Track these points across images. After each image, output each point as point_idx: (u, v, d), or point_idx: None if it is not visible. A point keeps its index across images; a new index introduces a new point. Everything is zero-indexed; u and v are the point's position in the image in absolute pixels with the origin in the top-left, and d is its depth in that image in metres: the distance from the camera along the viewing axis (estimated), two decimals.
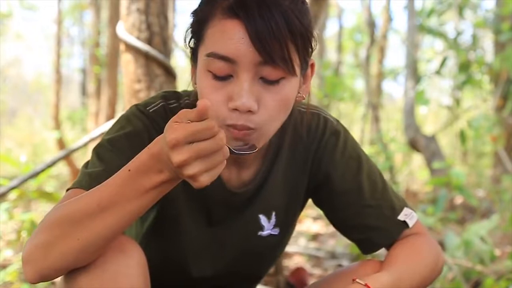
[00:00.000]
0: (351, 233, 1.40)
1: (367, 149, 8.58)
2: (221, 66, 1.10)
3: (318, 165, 1.37)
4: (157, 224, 1.35)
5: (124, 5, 2.60)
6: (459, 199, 6.15)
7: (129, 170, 1.02)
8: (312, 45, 1.17)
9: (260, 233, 1.38)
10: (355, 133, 11.12)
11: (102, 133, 3.12)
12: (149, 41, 2.53)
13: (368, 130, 9.73)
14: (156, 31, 2.55)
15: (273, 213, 1.38)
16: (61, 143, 9.08)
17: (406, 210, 1.36)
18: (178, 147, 0.92)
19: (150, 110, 1.28)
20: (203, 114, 0.92)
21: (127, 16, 2.57)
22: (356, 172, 1.36)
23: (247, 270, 1.43)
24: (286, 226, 1.43)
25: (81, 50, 16.07)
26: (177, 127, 0.93)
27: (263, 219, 1.38)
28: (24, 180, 3.51)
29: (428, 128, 10.87)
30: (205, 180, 0.93)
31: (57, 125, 9.50)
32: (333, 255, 3.98)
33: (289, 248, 4.01)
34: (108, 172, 1.16)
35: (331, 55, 13.40)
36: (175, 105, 1.31)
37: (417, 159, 9.24)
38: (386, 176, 6.48)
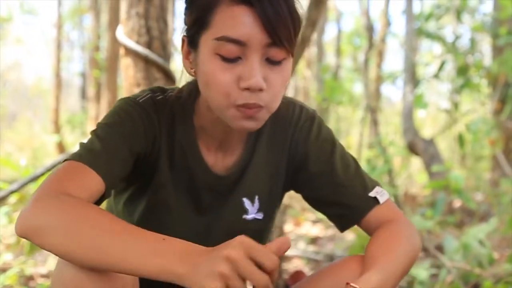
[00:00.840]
0: (327, 211, 1.46)
1: (366, 153, 8.60)
2: (232, 48, 1.16)
3: (296, 149, 1.44)
4: (147, 214, 1.37)
5: (123, 9, 2.60)
6: (457, 203, 6.15)
7: (164, 239, 1.04)
8: (300, 29, 1.25)
9: (244, 216, 1.43)
10: (354, 136, 11.14)
11: None
12: (148, 45, 2.53)
13: (367, 133, 9.74)
14: (156, 35, 2.55)
15: (256, 197, 1.44)
16: (61, 147, 9.09)
17: (377, 188, 1.42)
18: (238, 249, 0.96)
19: (140, 101, 1.33)
20: (280, 251, 1.00)
21: (126, 21, 2.58)
22: (329, 154, 1.43)
23: None
24: (269, 210, 1.48)
25: (81, 54, 16.08)
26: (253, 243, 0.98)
27: (247, 202, 1.43)
28: (24, 184, 3.52)
29: (426, 132, 10.88)
30: (214, 285, 0.95)
31: (57, 129, 9.52)
32: (331, 258, 3.98)
33: (288, 252, 4.01)
34: (106, 151, 1.22)
35: (330, 58, 13.43)
36: (160, 97, 1.36)
37: (416, 163, 9.24)
38: (385, 179, 6.49)
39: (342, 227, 1.45)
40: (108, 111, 1.33)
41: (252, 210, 1.44)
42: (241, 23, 1.14)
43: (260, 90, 1.17)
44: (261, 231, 1.48)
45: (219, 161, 1.39)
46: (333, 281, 1.29)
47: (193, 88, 1.33)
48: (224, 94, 1.18)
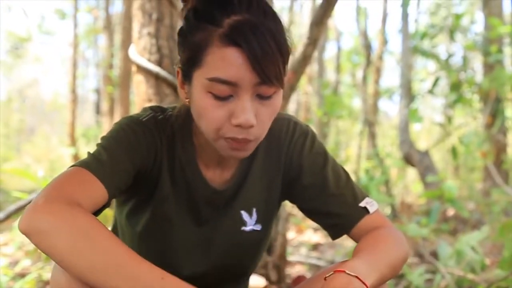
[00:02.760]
0: (320, 220, 1.46)
1: (364, 164, 8.59)
2: (223, 88, 1.15)
3: (290, 162, 1.44)
4: (149, 226, 1.37)
5: (135, 29, 2.62)
6: (451, 211, 6.14)
7: (162, 278, 1.05)
8: (288, 59, 1.24)
9: (243, 228, 1.43)
10: (353, 148, 11.13)
11: None
12: (159, 63, 2.54)
13: (365, 145, 9.72)
14: (166, 53, 2.57)
15: (254, 210, 1.44)
16: (76, 159, 9.10)
17: (367, 199, 1.42)
18: None
19: (143, 119, 1.33)
20: None
21: (138, 40, 2.59)
22: (322, 166, 1.43)
23: (234, 266, 1.46)
24: (267, 221, 1.47)
25: (95, 72, 16.13)
26: None
27: (244, 215, 1.43)
28: None
29: (421, 144, 10.87)
30: None
31: (73, 142, 9.54)
32: (332, 264, 3.97)
33: (291, 257, 4.01)
34: (112, 162, 1.22)
35: (330, 75, 13.43)
36: (161, 116, 1.36)
37: (412, 173, 9.23)
38: (383, 189, 6.48)
39: (334, 236, 1.45)
40: (113, 127, 1.33)
41: (250, 222, 1.44)
42: (231, 65, 1.13)
43: (251, 126, 1.17)
44: (259, 241, 1.48)
45: (217, 176, 1.39)
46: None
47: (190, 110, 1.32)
48: (215, 129, 1.19)
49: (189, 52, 1.20)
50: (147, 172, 1.33)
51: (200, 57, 1.17)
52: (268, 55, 1.13)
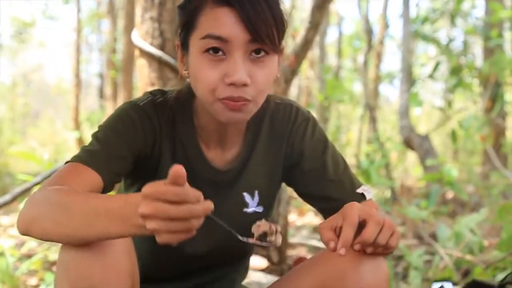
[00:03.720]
0: (318, 204, 1.48)
1: (365, 148, 8.59)
2: (216, 44, 1.18)
3: (292, 147, 1.45)
4: None
5: (138, 14, 2.61)
6: (450, 194, 6.15)
7: (125, 201, 1.03)
8: (285, 30, 1.26)
9: (245, 209, 1.43)
10: (354, 132, 11.13)
11: None
12: (161, 47, 2.54)
13: (365, 130, 9.73)
14: (168, 37, 2.56)
15: (256, 192, 1.44)
16: (80, 142, 9.10)
17: (364, 187, 1.44)
18: (146, 199, 0.93)
19: (141, 104, 1.34)
20: (176, 179, 0.93)
21: (141, 24, 2.59)
22: (322, 152, 1.44)
23: (235, 246, 1.45)
24: (268, 203, 1.48)
25: (99, 56, 16.07)
26: (156, 184, 0.94)
27: (247, 196, 1.44)
28: (47, 177, 3.53)
29: (421, 128, 10.86)
30: (164, 239, 0.94)
31: (77, 126, 9.54)
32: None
33: (292, 239, 4.02)
34: (105, 151, 1.25)
35: (331, 60, 13.38)
36: (160, 99, 1.37)
37: (412, 157, 9.24)
38: (383, 172, 6.49)
39: None
40: (111, 114, 1.34)
41: (252, 204, 1.44)
42: (223, 23, 1.17)
43: (244, 85, 1.19)
44: None
45: (218, 156, 1.40)
46: (325, 266, 1.31)
47: (191, 89, 1.33)
48: (210, 90, 1.20)
49: (185, 18, 1.24)
50: (147, 157, 1.34)
51: (195, 21, 1.21)
52: (260, 14, 1.17)
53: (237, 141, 1.41)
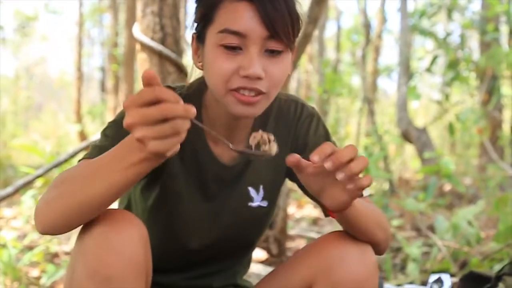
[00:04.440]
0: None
1: (363, 140, 8.59)
2: (233, 39, 1.18)
3: (296, 142, 1.45)
4: (159, 201, 1.37)
5: (139, 8, 2.60)
6: (447, 186, 6.14)
7: (120, 144, 1.05)
8: (300, 28, 1.26)
9: (250, 204, 1.43)
10: (352, 125, 11.12)
11: None
12: (162, 42, 2.52)
13: (364, 123, 9.72)
14: (169, 32, 2.55)
15: (261, 187, 1.44)
16: (82, 135, 9.11)
17: None
18: (128, 109, 0.93)
19: None
20: (148, 81, 0.93)
21: (142, 19, 2.57)
22: None
23: (239, 239, 1.47)
24: (273, 198, 1.48)
25: (101, 50, 16.06)
26: (131, 96, 0.95)
27: (252, 191, 1.43)
28: (49, 169, 3.52)
29: (419, 121, 10.85)
30: (154, 146, 0.93)
31: (79, 118, 9.54)
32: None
33: (291, 231, 4.02)
34: (114, 145, 1.21)
35: (330, 54, 13.38)
36: None
37: (409, 150, 9.23)
38: (381, 164, 6.48)
39: (327, 214, 1.43)
40: (120, 111, 1.33)
41: (257, 198, 1.44)
42: (242, 17, 1.17)
43: (259, 78, 1.18)
44: (265, 217, 1.48)
45: (225, 151, 1.39)
46: (315, 258, 1.31)
47: (202, 83, 1.33)
48: (223, 81, 1.19)
49: (203, 10, 1.24)
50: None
51: (213, 14, 1.21)
52: (278, 11, 1.17)
53: (244, 136, 1.39)
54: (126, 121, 0.93)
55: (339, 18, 12.44)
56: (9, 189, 3.40)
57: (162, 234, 1.37)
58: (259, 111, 1.24)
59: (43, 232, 1.14)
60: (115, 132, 1.27)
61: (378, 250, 1.35)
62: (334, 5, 12.06)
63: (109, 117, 8.44)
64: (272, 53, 1.20)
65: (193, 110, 0.95)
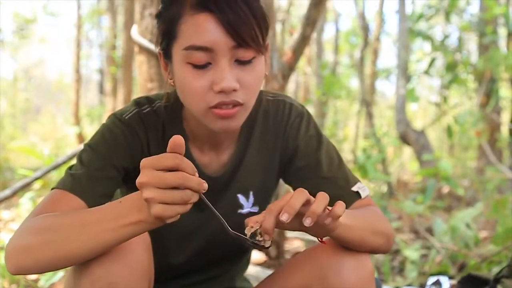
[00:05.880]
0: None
1: (361, 143, 8.59)
2: (200, 56, 1.13)
3: (286, 143, 1.41)
4: None
5: (138, 10, 2.60)
6: (446, 189, 6.15)
7: (120, 202, 1.03)
8: (268, 26, 1.21)
9: (240, 211, 1.40)
10: (351, 128, 11.12)
11: None
12: None
13: (362, 125, 9.71)
14: None
15: (251, 192, 1.41)
16: (80, 138, 9.10)
17: (359, 184, 1.40)
18: (144, 169, 0.94)
19: (126, 117, 1.30)
20: (174, 147, 0.94)
21: (140, 21, 2.57)
22: (316, 148, 1.39)
23: (232, 246, 1.43)
24: (264, 202, 1.45)
25: (99, 52, 16.04)
26: (152, 156, 0.95)
27: (241, 198, 1.40)
28: (47, 171, 3.52)
29: (417, 123, 10.86)
30: (159, 210, 0.94)
31: (77, 121, 9.53)
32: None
33: (289, 234, 4.01)
34: (88, 174, 1.21)
35: (329, 56, 13.38)
36: (148, 109, 1.32)
37: (408, 152, 9.22)
38: (380, 167, 6.48)
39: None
40: (96, 131, 1.31)
41: (247, 205, 1.41)
42: (205, 31, 1.12)
43: (234, 90, 1.14)
44: None
45: (213, 160, 1.36)
46: (310, 265, 1.28)
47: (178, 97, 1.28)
48: (199, 100, 1.16)
49: (165, 27, 1.19)
50: (136, 171, 1.30)
51: (175, 30, 1.16)
52: (241, 17, 1.11)
53: (230, 143, 1.37)
54: (140, 180, 0.94)
55: (337, 21, 12.44)
56: (7, 192, 3.39)
57: (155, 244, 1.35)
58: (239, 122, 1.21)
59: (15, 273, 1.11)
60: (90, 159, 1.25)
61: (380, 252, 1.34)
62: (332, 8, 12.06)
63: None
64: (243, 62, 1.15)
65: (205, 185, 0.97)
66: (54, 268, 1.09)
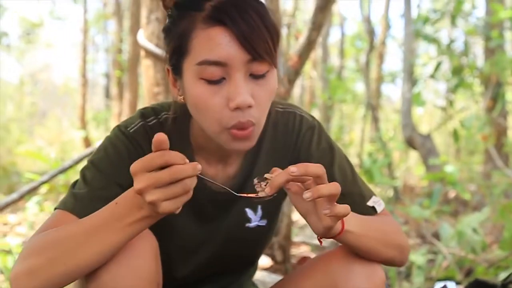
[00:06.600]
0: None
1: (367, 147, 8.58)
2: (214, 70, 1.09)
3: (298, 157, 1.37)
4: (153, 227, 1.28)
5: (144, 15, 2.60)
6: (452, 193, 6.12)
7: (116, 203, 1.03)
8: (280, 37, 1.17)
9: (247, 225, 1.38)
10: (357, 132, 11.11)
11: None
12: None
13: (368, 129, 9.71)
14: None
15: (259, 206, 1.38)
16: (87, 141, 9.11)
17: (374, 198, 1.36)
18: (137, 175, 0.95)
19: (131, 131, 1.27)
20: (159, 145, 0.94)
21: (147, 25, 2.57)
22: (329, 163, 1.35)
23: (238, 258, 1.43)
24: (272, 216, 1.42)
25: (105, 56, 16.11)
26: (139, 159, 0.95)
27: (249, 212, 1.37)
28: (54, 175, 3.53)
29: (423, 128, 10.84)
30: (166, 207, 0.95)
31: (83, 125, 9.55)
32: (336, 245, 3.97)
33: (296, 238, 4.01)
34: (90, 194, 1.19)
35: (334, 60, 13.37)
36: (154, 122, 1.30)
37: (414, 156, 9.21)
38: (385, 171, 6.47)
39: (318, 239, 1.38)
40: (100, 145, 1.28)
41: (255, 219, 1.38)
42: (218, 44, 1.08)
43: (249, 106, 1.10)
44: (264, 235, 1.43)
45: (220, 172, 1.33)
46: (321, 273, 1.27)
47: (187, 108, 1.22)
48: (216, 119, 1.12)
49: (175, 43, 1.14)
50: None
51: (186, 45, 1.12)
52: (255, 30, 1.08)
53: (239, 155, 1.34)
54: (137, 187, 0.94)
55: (343, 24, 12.43)
56: (14, 195, 3.41)
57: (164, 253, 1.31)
58: (253, 142, 1.17)
59: None
60: (93, 177, 1.22)
61: (395, 264, 1.31)
62: (338, 12, 12.06)
63: (114, 123, 8.44)
64: (257, 76, 1.12)
65: (199, 166, 0.96)
66: (66, 282, 1.07)
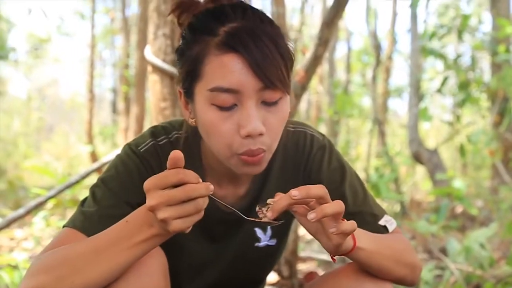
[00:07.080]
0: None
1: (374, 162, 8.56)
2: (226, 97, 1.09)
3: (309, 177, 1.36)
4: (162, 245, 1.27)
5: (151, 30, 2.62)
6: (459, 208, 6.09)
7: (127, 221, 1.04)
8: (293, 63, 1.17)
9: (257, 244, 1.38)
10: (363, 146, 11.09)
11: None
12: (174, 64, 2.53)
13: (374, 144, 9.68)
14: None
15: (268, 226, 1.38)
16: (94, 156, 9.13)
17: (386, 217, 1.36)
18: (150, 192, 0.94)
19: (141, 150, 1.27)
20: (174, 162, 0.94)
21: (154, 41, 2.59)
22: (340, 183, 1.35)
23: (247, 277, 1.43)
24: (282, 235, 1.43)
25: (112, 71, 16.18)
26: (153, 176, 0.96)
27: (258, 231, 1.38)
28: (61, 191, 3.53)
29: (430, 142, 10.81)
30: (177, 225, 0.95)
31: (90, 139, 9.57)
32: (343, 260, 3.95)
33: (302, 253, 4.00)
34: (100, 212, 1.19)
35: (341, 75, 13.38)
36: (164, 141, 1.30)
37: (421, 171, 9.18)
38: (392, 186, 6.45)
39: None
40: (110, 163, 1.29)
41: (264, 238, 1.38)
42: (231, 72, 1.07)
43: (261, 134, 1.10)
44: (273, 254, 1.44)
45: (230, 193, 1.33)
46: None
47: (197, 128, 1.23)
48: (226, 145, 1.12)
49: (188, 67, 1.14)
50: None
51: (199, 69, 1.11)
52: (268, 58, 1.07)
53: (249, 176, 1.33)
54: (150, 204, 0.94)
55: (349, 39, 12.47)
56: (21, 211, 3.41)
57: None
58: (263, 167, 1.17)
59: None
60: (102, 196, 1.23)
61: (405, 283, 1.30)
62: (344, 26, 12.10)
63: (120, 138, 8.46)
64: (269, 103, 1.12)
65: (211, 187, 0.97)
66: None
